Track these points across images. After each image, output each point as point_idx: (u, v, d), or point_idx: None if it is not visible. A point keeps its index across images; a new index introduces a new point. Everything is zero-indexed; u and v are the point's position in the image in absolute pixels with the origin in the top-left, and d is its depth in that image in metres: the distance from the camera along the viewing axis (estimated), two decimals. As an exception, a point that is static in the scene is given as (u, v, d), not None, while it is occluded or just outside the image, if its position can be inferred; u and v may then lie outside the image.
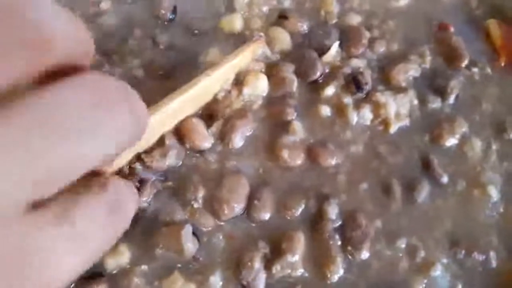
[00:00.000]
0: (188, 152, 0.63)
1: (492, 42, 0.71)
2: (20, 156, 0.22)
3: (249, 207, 0.59)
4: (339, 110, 0.66)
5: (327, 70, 0.68)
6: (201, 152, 0.63)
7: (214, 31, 0.71)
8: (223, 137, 0.63)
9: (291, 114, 0.65)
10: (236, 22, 0.71)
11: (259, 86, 0.66)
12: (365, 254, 0.58)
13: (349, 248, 0.58)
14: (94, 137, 0.25)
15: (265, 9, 0.72)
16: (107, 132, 0.26)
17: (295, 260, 0.57)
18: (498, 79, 0.69)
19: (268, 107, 0.66)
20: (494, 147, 0.65)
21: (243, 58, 0.65)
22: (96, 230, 0.27)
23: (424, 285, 0.58)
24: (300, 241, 0.58)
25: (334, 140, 0.65)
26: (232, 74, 0.65)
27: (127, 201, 0.31)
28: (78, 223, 0.26)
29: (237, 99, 0.65)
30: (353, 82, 0.65)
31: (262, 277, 0.57)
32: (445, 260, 0.59)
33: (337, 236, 0.59)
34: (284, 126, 0.64)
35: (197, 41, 0.71)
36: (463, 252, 0.60)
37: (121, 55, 0.70)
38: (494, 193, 0.62)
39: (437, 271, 0.58)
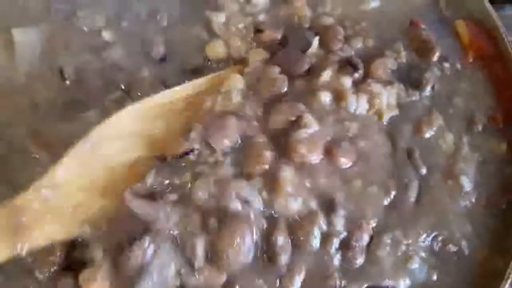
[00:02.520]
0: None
1: (460, 41, 0.77)
2: None
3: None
4: (339, 94, 0.69)
5: (314, 62, 0.72)
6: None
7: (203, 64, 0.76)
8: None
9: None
10: (218, 48, 0.76)
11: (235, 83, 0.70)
12: (360, 263, 0.63)
13: (347, 261, 0.62)
14: None
15: (241, 26, 0.77)
16: None
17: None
18: (468, 74, 0.76)
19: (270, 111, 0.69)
20: (465, 139, 0.71)
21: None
22: None
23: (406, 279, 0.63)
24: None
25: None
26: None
27: None
28: None
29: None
30: (348, 64, 0.70)
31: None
32: (423, 254, 0.65)
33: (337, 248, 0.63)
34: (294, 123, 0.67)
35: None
36: (439, 244, 0.66)
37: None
38: (466, 183, 0.68)
39: (415, 264, 0.64)
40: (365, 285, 0.62)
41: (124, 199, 0.62)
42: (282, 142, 0.66)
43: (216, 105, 0.69)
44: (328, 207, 0.64)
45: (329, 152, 0.66)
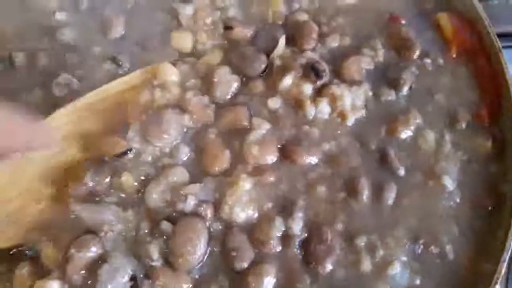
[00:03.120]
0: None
1: (443, 34, 0.74)
2: None
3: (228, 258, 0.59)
4: (298, 102, 0.67)
5: (279, 63, 0.69)
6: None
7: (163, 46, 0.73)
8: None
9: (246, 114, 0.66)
10: (185, 40, 0.73)
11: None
12: (328, 268, 0.59)
13: (313, 263, 0.59)
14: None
15: (209, 21, 0.74)
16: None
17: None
18: (451, 70, 0.72)
19: (222, 113, 0.67)
20: (447, 137, 0.67)
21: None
22: None
23: (385, 285, 0.60)
24: (269, 275, 0.58)
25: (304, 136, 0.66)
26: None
27: None
28: None
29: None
30: (312, 70, 0.67)
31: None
32: (404, 258, 0.61)
33: (300, 251, 0.60)
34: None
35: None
36: (421, 247, 0.62)
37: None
38: (449, 182, 0.64)
39: (396, 269, 0.60)
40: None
41: (67, 203, 0.61)
42: (237, 145, 0.65)
43: (155, 98, 0.67)
44: (286, 211, 0.62)
45: (287, 153, 0.64)
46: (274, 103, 0.67)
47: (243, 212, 0.61)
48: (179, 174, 0.62)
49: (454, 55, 0.72)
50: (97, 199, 0.62)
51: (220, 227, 0.61)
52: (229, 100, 0.68)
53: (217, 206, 0.61)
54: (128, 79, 0.69)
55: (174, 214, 0.61)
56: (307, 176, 0.64)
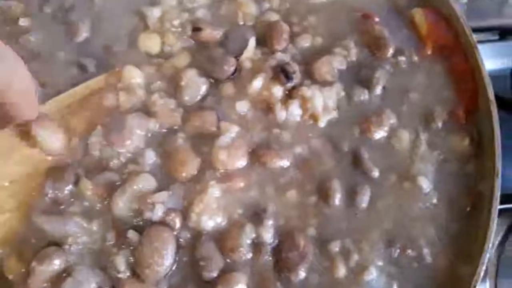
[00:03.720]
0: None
1: (417, 31, 0.72)
2: None
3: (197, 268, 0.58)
4: (267, 105, 0.66)
5: (248, 66, 0.68)
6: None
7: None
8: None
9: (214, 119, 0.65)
10: (153, 42, 0.71)
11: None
12: (301, 275, 0.58)
13: (285, 271, 0.58)
14: None
15: (177, 22, 0.72)
16: None
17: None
18: (426, 67, 0.70)
19: (189, 117, 0.66)
20: (422, 137, 0.66)
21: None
22: None
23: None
24: (239, 283, 0.57)
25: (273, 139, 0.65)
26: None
27: None
28: None
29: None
30: (282, 72, 0.65)
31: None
32: (380, 263, 0.60)
33: (271, 259, 0.59)
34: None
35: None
36: (398, 251, 0.60)
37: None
38: (425, 183, 0.63)
39: (372, 274, 0.59)
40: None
41: (29, 215, 0.60)
42: (205, 150, 0.63)
43: (120, 102, 0.66)
44: (257, 218, 0.60)
45: (257, 157, 0.63)
46: (242, 106, 0.66)
47: (211, 220, 0.60)
48: (146, 181, 0.61)
49: (429, 52, 0.71)
50: (61, 207, 0.61)
51: (188, 235, 0.60)
52: (197, 103, 0.67)
53: (185, 214, 0.60)
54: (92, 83, 0.68)
55: (141, 223, 0.59)
56: (277, 180, 0.63)
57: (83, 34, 0.72)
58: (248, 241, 0.59)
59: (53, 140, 0.62)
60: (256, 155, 0.63)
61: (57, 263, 0.57)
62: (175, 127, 0.65)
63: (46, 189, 0.60)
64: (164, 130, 0.65)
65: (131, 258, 0.57)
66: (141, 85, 0.67)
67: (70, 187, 0.61)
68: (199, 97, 0.67)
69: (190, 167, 0.62)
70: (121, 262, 0.57)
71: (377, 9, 0.74)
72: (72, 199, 0.61)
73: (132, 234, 0.58)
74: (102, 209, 0.61)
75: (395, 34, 0.72)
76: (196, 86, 0.67)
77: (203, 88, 0.68)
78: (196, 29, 0.71)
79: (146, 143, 0.64)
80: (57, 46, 0.72)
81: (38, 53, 0.71)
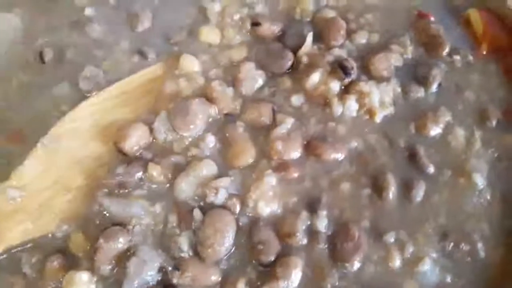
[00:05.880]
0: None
1: (473, 31, 0.76)
2: None
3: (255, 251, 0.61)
4: (325, 100, 0.69)
5: (306, 61, 0.71)
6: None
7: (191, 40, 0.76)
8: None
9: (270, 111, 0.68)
10: (212, 35, 0.75)
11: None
12: (356, 265, 0.61)
13: (340, 260, 0.61)
14: None
15: (237, 17, 0.76)
16: None
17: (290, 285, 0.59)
18: (480, 66, 0.73)
19: (246, 108, 0.69)
20: (477, 135, 0.68)
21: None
22: None
23: (415, 282, 0.61)
24: (297, 267, 0.59)
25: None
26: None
27: None
28: None
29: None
30: (340, 68, 0.68)
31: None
32: (434, 255, 0.62)
33: (327, 247, 0.62)
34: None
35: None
36: (451, 244, 0.63)
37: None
38: (480, 180, 0.65)
39: (426, 266, 0.61)
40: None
41: (95, 196, 0.64)
42: (261, 140, 0.67)
43: (181, 88, 0.69)
44: (311, 207, 0.63)
45: (312, 149, 0.66)
46: (298, 99, 0.69)
47: (267, 206, 0.63)
48: (208, 167, 0.64)
49: (484, 52, 0.74)
50: (127, 190, 0.64)
51: (246, 220, 0.63)
52: (253, 94, 0.70)
53: (243, 200, 0.63)
54: (150, 70, 0.72)
55: (202, 206, 0.63)
56: (331, 173, 0.66)
57: (145, 24, 0.76)
58: (304, 227, 0.62)
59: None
60: (311, 147, 0.66)
61: (122, 242, 0.61)
62: (234, 115, 0.68)
63: (117, 171, 0.64)
64: (223, 116, 0.69)
65: (192, 239, 0.61)
66: (199, 72, 0.71)
67: (140, 172, 0.64)
68: (255, 89, 0.71)
69: (247, 155, 0.66)
70: (184, 242, 0.60)
71: (432, 8, 0.77)
72: (141, 183, 0.64)
73: (197, 213, 0.61)
74: (165, 192, 0.64)
75: (450, 33, 0.75)
76: (253, 78, 0.71)
77: (260, 81, 0.71)
78: (255, 24, 0.75)
79: (207, 128, 0.67)
80: (120, 35, 0.76)
81: (101, 42, 0.76)
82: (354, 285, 0.60)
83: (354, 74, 0.69)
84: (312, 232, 0.62)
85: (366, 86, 0.69)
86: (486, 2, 0.75)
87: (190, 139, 0.67)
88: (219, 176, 0.64)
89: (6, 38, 0.75)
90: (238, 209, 0.62)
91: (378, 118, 0.68)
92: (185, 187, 0.63)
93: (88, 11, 0.77)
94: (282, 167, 0.65)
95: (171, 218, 0.62)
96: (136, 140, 0.66)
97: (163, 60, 0.73)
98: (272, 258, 0.60)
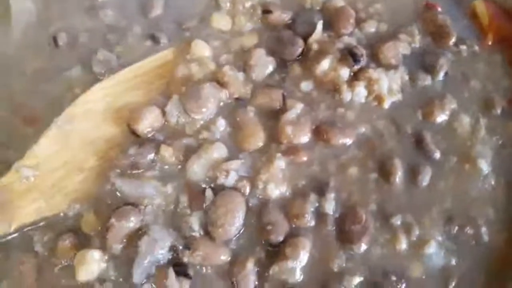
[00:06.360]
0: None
1: (479, 21, 0.77)
2: None
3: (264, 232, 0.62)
4: (334, 86, 0.70)
5: (316, 48, 0.72)
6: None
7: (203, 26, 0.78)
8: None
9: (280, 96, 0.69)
10: (223, 22, 0.77)
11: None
12: (363, 247, 0.62)
13: (348, 242, 0.62)
14: None
15: (248, 5, 0.78)
16: None
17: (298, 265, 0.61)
18: (486, 56, 0.75)
19: (257, 93, 0.70)
20: (482, 122, 0.70)
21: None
22: None
23: (421, 264, 0.62)
24: (305, 247, 0.61)
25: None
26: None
27: None
28: None
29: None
30: (350, 55, 0.70)
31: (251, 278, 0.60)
32: (440, 238, 0.63)
33: (334, 229, 0.63)
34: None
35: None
36: (456, 228, 0.64)
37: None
38: (484, 166, 0.67)
39: (432, 248, 0.62)
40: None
41: (107, 176, 0.65)
42: (271, 124, 0.68)
43: (192, 72, 0.71)
44: (320, 190, 0.65)
45: (321, 134, 0.67)
46: (307, 85, 0.71)
47: (277, 189, 0.64)
48: (219, 149, 0.66)
49: (490, 43, 0.75)
50: (139, 171, 0.65)
51: (256, 202, 0.64)
52: (264, 80, 0.72)
53: (253, 182, 0.64)
54: (162, 54, 0.74)
55: (213, 187, 0.64)
56: (339, 157, 0.68)
57: (157, 10, 0.78)
58: (312, 210, 0.63)
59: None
60: (320, 131, 0.68)
61: (133, 221, 0.62)
62: (245, 99, 0.70)
63: (130, 152, 0.65)
64: (234, 101, 0.70)
65: (203, 219, 0.62)
66: (210, 58, 0.73)
67: (152, 153, 0.66)
68: (266, 75, 0.72)
69: (257, 138, 0.67)
70: (195, 222, 0.62)
71: (440, -1, 0.79)
72: (153, 164, 0.66)
73: (209, 193, 0.62)
74: (177, 173, 0.66)
75: (456, 23, 0.77)
76: (264, 64, 0.72)
77: (270, 67, 0.73)
78: (266, 12, 0.76)
79: (218, 111, 0.69)
80: (132, 20, 0.78)
81: (115, 27, 0.77)
82: (361, 266, 0.61)
83: (363, 61, 0.70)
84: (320, 214, 0.63)
85: (375, 73, 0.70)
86: (493, -7, 0.77)
87: (201, 122, 0.68)
88: (229, 158, 0.65)
89: (21, 22, 0.77)
90: (248, 190, 0.64)
91: (386, 105, 0.70)
92: (197, 169, 0.64)
93: None
94: (291, 151, 0.66)
95: (182, 198, 0.64)
96: (149, 122, 0.67)
97: (175, 45, 0.75)
98: (281, 239, 0.61)
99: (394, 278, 0.61)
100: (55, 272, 0.62)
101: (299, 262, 0.60)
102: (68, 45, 0.76)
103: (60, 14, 0.78)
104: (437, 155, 0.67)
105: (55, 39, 0.75)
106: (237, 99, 0.70)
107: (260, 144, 0.67)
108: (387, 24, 0.76)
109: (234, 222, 0.61)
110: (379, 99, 0.70)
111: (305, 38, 0.73)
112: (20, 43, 0.76)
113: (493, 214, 0.65)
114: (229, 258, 0.61)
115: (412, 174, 0.66)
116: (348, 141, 0.68)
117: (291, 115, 0.68)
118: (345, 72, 0.70)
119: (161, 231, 0.61)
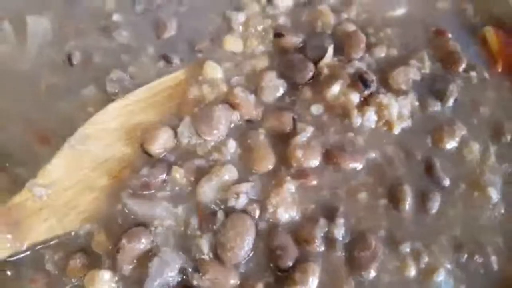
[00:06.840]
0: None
1: (488, 48, 0.78)
2: None
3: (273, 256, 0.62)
4: (344, 111, 0.71)
5: (326, 72, 0.73)
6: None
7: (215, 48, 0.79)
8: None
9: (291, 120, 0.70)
10: (236, 45, 0.78)
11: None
12: (372, 273, 0.62)
13: (357, 268, 0.62)
14: None
15: (260, 28, 0.79)
16: None
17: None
18: (496, 83, 0.75)
19: (268, 116, 0.71)
20: (492, 150, 0.70)
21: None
22: None
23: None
24: (315, 273, 0.61)
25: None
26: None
27: None
28: None
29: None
30: (360, 80, 0.70)
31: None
32: (449, 266, 0.63)
33: (344, 255, 0.63)
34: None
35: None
36: (465, 255, 0.64)
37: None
38: (494, 194, 0.67)
39: (441, 276, 0.62)
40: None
41: (118, 196, 0.66)
42: (281, 147, 0.68)
43: (204, 94, 0.72)
44: (329, 215, 0.65)
45: (331, 158, 0.68)
46: (317, 109, 0.71)
47: (286, 212, 0.65)
48: (230, 172, 0.66)
49: (499, 70, 0.76)
50: (150, 192, 0.66)
51: (265, 225, 0.64)
52: (274, 103, 0.73)
53: (262, 205, 0.65)
54: (174, 75, 0.75)
55: (222, 210, 0.64)
56: (349, 182, 0.68)
57: (170, 31, 0.79)
58: (321, 235, 0.63)
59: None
60: (330, 155, 0.68)
61: (144, 242, 0.62)
62: (255, 122, 0.71)
63: (142, 173, 0.66)
64: (244, 123, 0.71)
65: (213, 242, 0.62)
66: (222, 79, 0.74)
67: (164, 174, 0.66)
68: (276, 97, 0.73)
69: (268, 161, 0.68)
70: (205, 244, 0.62)
71: (449, 25, 0.80)
72: (165, 184, 0.66)
73: (221, 215, 0.63)
74: (187, 195, 0.66)
75: (467, 50, 0.77)
76: (274, 87, 0.73)
77: (281, 90, 0.73)
78: (278, 35, 0.77)
79: (229, 133, 0.69)
80: (146, 41, 0.79)
81: (128, 47, 0.78)
82: (371, 293, 0.62)
83: (373, 87, 0.71)
84: (329, 240, 0.64)
85: (385, 98, 0.71)
86: (503, 20, 0.78)
87: (212, 144, 0.68)
88: (239, 181, 0.66)
89: (36, 40, 0.78)
90: (257, 214, 0.64)
91: (396, 130, 0.70)
92: (208, 191, 0.65)
93: (116, 17, 0.80)
94: (301, 174, 0.67)
95: (192, 220, 0.64)
96: (162, 142, 0.68)
97: (187, 66, 0.76)
98: (290, 264, 0.61)
99: (403, 305, 0.61)
100: (66, 291, 0.63)
101: (308, 287, 0.60)
102: (82, 64, 0.77)
103: (75, 33, 0.79)
104: (447, 182, 0.67)
105: (69, 58, 0.76)
106: (248, 121, 0.71)
107: (270, 167, 0.67)
108: (397, 49, 0.77)
109: (244, 246, 0.61)
110: (389, 124, 0.70)
111: (316, 62, 0.74)
112: (35, 60, 0.77)
113: (502, 242, 0.65)
114: (238, 282, 0.61)
115: (422, 200, 0.66)
116: (358, 166, 0.68)
117: (301, 138, 0.68)
118: (355, 97, 0.71)
119: (171, 253, 0.62)
